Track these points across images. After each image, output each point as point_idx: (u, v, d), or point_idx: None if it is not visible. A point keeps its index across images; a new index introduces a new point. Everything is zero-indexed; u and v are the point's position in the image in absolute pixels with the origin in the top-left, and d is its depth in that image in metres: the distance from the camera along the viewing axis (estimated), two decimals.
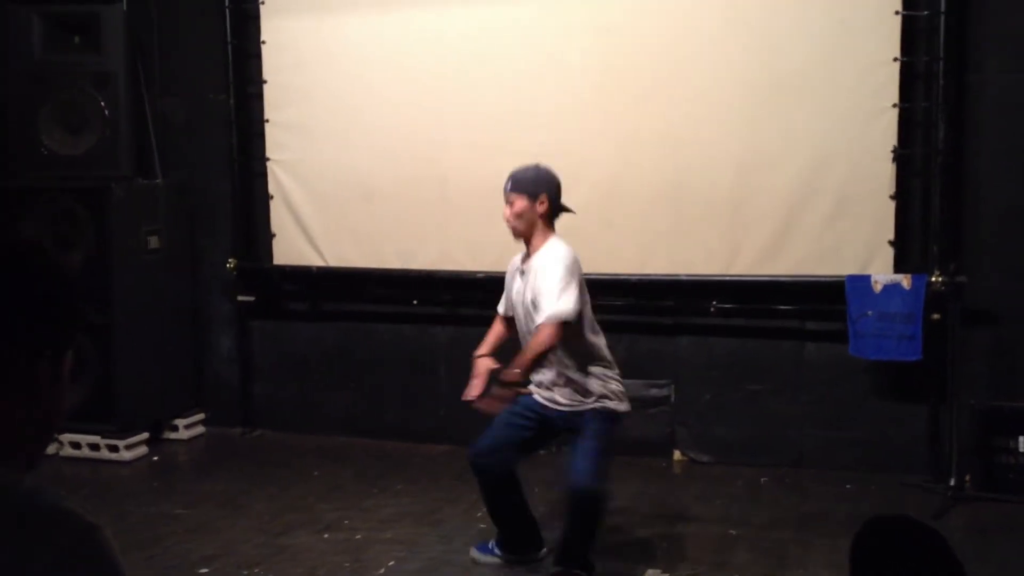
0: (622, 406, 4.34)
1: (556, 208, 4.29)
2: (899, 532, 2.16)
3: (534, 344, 4.06)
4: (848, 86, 5.46)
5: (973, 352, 5.39)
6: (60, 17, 6.23)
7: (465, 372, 6.27)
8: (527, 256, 4.31)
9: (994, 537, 4.76)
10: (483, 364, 4.42)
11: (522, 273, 4.31)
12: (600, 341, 4.35)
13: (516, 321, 4.39)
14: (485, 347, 4.51)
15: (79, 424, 6.03)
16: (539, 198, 4.21)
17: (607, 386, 4.29)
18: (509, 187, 4.27)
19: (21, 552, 1.27)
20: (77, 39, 6.23)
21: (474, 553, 4.59)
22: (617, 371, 4.39)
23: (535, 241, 4.26)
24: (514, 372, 4.02)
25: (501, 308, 4.60)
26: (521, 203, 4.22)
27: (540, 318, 4.07)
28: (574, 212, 4.38)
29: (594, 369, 4.28)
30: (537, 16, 5.95)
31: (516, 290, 4.34)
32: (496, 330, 4.59)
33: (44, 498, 1.34)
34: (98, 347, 6.02)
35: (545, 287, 4.08)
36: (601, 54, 5.83)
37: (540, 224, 4.25)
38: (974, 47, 5.36)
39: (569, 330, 4.10)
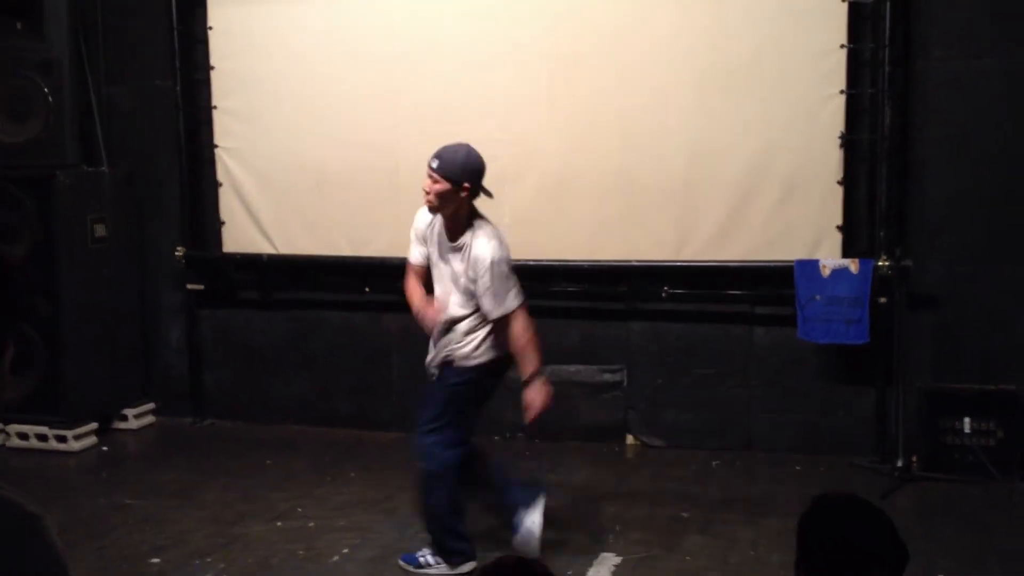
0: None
1: (477, 193, 4.33)
2: (845, 510, 2.20)
3: (522, 343, 4.21)
4: (796, 73, 5.51)
5: (919, 335, 5.47)
6: (2, 2, 6.10)
7: (418, 360, 6.27)
8: (453, 233, 4.30)
9: (940, 516, 4.84)
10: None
11: (454, 250, 4.30)
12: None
13: (435, 280, 4.41)
14: (420, 293, 4.49)
15: (27, 415, 5.97)
16: (462, 186, 4.21)
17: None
18: (435, 165, 4.24)
19: None
20: (19, 24, 6.12)
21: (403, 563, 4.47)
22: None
23: (457, 222, 4.27)
24: (539, 380, 4.24)
25: (419, 259, 4.51)
26: (444, 186, 4.22)
27: (494, 313, 4.20)
28: (492, 196, 4.36)
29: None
30: (489, 5, 5.94)
31: (451, 265, 4.32)
32: (416, 282, 4.53)
33: None
34: (45, 337, 5.95)
35: (493, 289, 4.19)
36: (553, 42, 5.83)
37: (463, 206, 4.26)
38: (919, 34, 5.43)
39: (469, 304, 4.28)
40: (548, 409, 4.31)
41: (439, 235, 4.39)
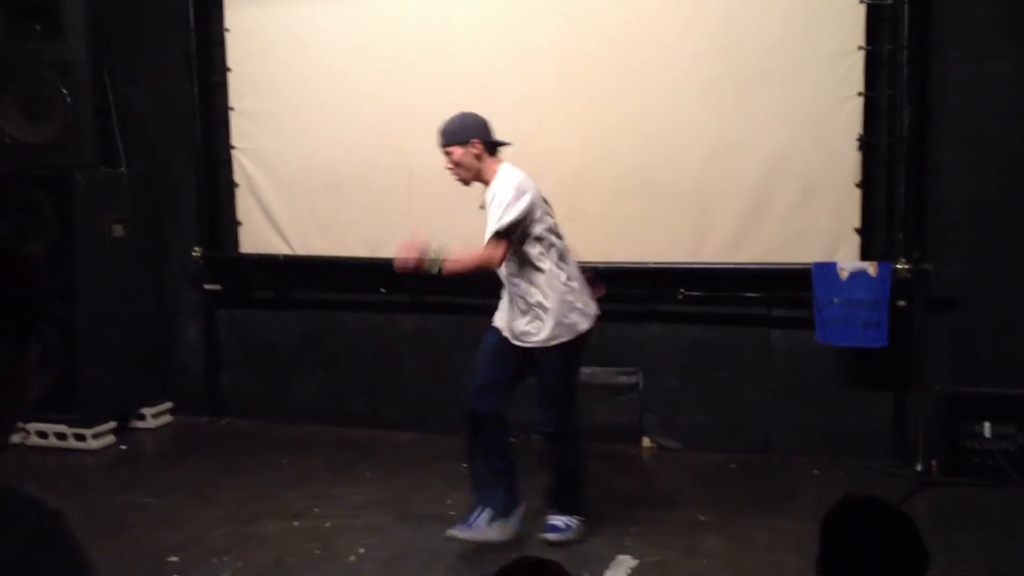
0: (580, 327, 4.47)
1: (491, 145, 4.48)
2: (869, 512, 2.19)
3: (468, 256, 4.32)
4: (813, 75, 5.49)
5: (938, 338, 5.44)
6: (21, 4, 6.14)
7: (432, 360, 6.30)
8: (486, 191, 4.48)
9: (959, 521, 4.81)
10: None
11: (482, 207, 4.47)
12: (564, 268, 4.47)
13: None
14: None
15: (46, 413, 5.99)
16: (470, 143, 4.40)
17: (564, 317, 4.41)
18: (441, 143, 4.47)
19: None
20: (39, 27, 6.15)
21: (455, 532, 4.53)
22: (584, 297, 4.53)
23: (487, 177, 4.46)
24: (436, 262, 4.31)
25: None
26: (456, 153, 4.43)
27: (486, 238, 4.32)
28: (510, 144, 4.55)
29: (550, 294, 4.40)
30: (503, 6, 5.94)
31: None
32: None
33: (5, 485, 1.33)
34: (63, 337, 5.97)
35: (491, 211, 4.32)
36: (568, 43, 5.83)
37: (483, 163, 4.45)
38: (938, 35, 5.41)
39: (518, 251, 4.35)
40: (411, 265, 4.34)
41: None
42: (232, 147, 6.48)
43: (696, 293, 5.83)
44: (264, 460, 5.89)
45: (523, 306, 4.44)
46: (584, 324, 4.49)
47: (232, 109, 6.47)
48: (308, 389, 6.59)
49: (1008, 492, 5.10)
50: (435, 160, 6.04)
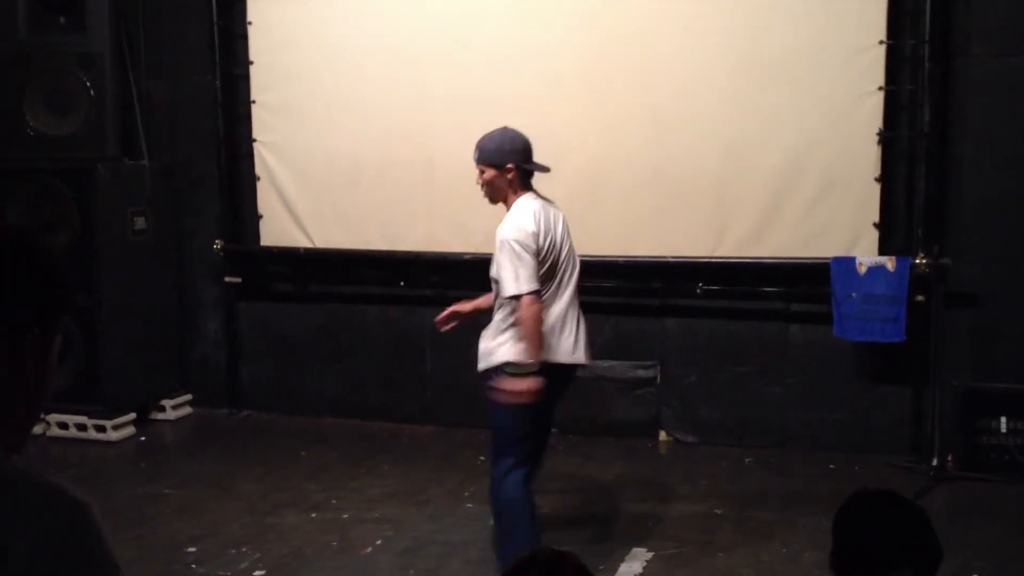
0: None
1: (526, 172, 4.21)
2: (881, 505, 2.20)
3: (522, 332, 3.92)
4: (834, 69, 5.47)
5: (956, 334, 5.43)
6: None
7: (451, 354, 6.31)
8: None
9: (975, 516, 4.81)
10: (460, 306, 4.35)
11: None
12: (554, 309, 4.13)
13: None
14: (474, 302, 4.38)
15: (66, 405, 6.04)
16: (505, 167, 4.14)
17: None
18: (476, 157, 4.21)
19: (8, 528, 1.28)
20: (62, 19, 6.20)
21: None
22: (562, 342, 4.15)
23: (509, 203, 4.19)
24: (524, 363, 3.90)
25: None
26: (489, 173, 4.17)
27: (507, 291, 3.95)
28: (548, 170, 4.26)
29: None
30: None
31: None
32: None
33: (31, 475, 1.35)
34: (84, 328, 6.02)
35: (502, 265, 3.99)
36: (587, 37, 5.83)
37: (512, 189, 4.17)
38: (960, 31, 5.38)
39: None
40: (515, 401, 3.90)
41: None
42: (254, 140, 6.51)
43: (714, 287, 5.82)
44: (283, 452, 5.93)
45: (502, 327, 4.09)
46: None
47: (254, 102, 6.50)
48: (327, 382, 6.62)
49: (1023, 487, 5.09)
50: (455, 153, 6.07)
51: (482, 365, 4.06)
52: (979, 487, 5.15)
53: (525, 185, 4.20)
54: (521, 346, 3.90)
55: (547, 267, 4.08)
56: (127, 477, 5.61)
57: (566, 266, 4.19)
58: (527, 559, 2.01)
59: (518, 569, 1.98)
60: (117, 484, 5.44)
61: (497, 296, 4.11)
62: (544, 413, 4.12)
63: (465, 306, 4.42)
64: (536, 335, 3.94)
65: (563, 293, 4.17)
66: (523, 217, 4.06)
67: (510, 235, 4.01)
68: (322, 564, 4.43)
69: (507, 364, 3.93)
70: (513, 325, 3.99)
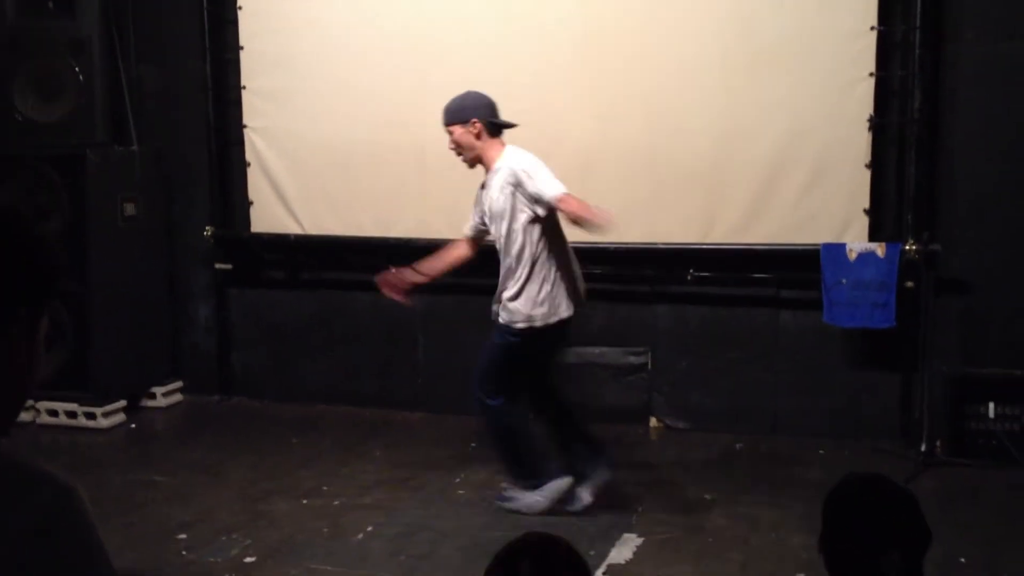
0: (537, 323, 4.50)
1: (493, 126, 4.49)
2: (870, 489, 2.21)
3: (576, 208, 4.25)
4: (825, 55, 5.47)
5: (945, 320, 5.45)
6: None
7: (443, 341, 6.31)
8: (487, 172, 4.53)
9: (963, 501, 4.83)
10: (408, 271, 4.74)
11: (483, 187, 4.54)
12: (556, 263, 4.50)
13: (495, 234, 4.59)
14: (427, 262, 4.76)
15: (56, 392, 6.02)
16: (471, 123, 4.42)
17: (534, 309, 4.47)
18: (444, 121, 4.52)
19: None
20: (51, 4, 6.16)
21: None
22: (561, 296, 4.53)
23: (488, 158, 4.49)
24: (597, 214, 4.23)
25: (467, 230, 4.78)
26: (456, 132, 4.47)
27: (548, 194, 4.29)
28: (516, 125, 4.58)
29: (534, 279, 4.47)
30: None
31: (487, 204, 4.54)
32: (450, 252, 4.82)
33: (19, 461, 1.35)
34: (74, 315, 6.01)
35: (537, 178, 4.33)
36: (580, 23, 5.82)
37: (484, 143, 4.46)
38: (951, 17, 5.38)
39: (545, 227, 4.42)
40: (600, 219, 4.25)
41: (485, 191, 4.56)
42: (244, 126, 6.49)
43: (705, 274, 5.83)
44: (274, 439, 5.93)
45: (510, 285, 4.51)
46: (544, 320, 4.50)
47: (244, 88, 6.47)
48: (318, 369, 6.62)
49: (1011, 473, 5.11)
50: (446, 139, 6.08)
51: (504, 318, 4.49)
52: (967, 473, 5.17)
53: (497, 138, 4.47)
54: (587, 218, 4.20)
55: (553, 219, 4.44)
56: (117, 464, 5.60)
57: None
58: (518, 544, 2.02)
59: (509, 554, 1.99)
60: (107, 471, 5.44)
61: (507, 255, 4.46)
62: (541, 363, 4.64)
63: (419, 277, 4.73)
64: (586, 214, 4.23)
65: (559, 245, 4.52)
66: (529, 157, 4.39)
67: (529, 160, 4.37)
68: (313, 550, 4.43)
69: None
70: (528, 283, 4.40)
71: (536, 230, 4.45)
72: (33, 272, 1.42)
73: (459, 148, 4.49)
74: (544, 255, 4.46)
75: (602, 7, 5.78)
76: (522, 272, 4.44)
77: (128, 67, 6.60)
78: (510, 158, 4.45)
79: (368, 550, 4.45)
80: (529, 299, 4.45)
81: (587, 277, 5.92)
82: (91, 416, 6.14)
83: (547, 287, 4.46)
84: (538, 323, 4.48)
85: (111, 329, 6.23)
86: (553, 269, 4.47)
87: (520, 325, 4.48)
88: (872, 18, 5.38)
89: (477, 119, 4.43)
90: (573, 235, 5.85)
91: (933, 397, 5.33)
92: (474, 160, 4.51)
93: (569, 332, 4.72)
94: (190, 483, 5.24)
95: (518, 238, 4.44)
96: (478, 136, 4.44)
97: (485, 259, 5.84)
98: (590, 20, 5.80)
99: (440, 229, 6.11)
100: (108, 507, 4.77)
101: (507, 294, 4.49)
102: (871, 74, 5.40)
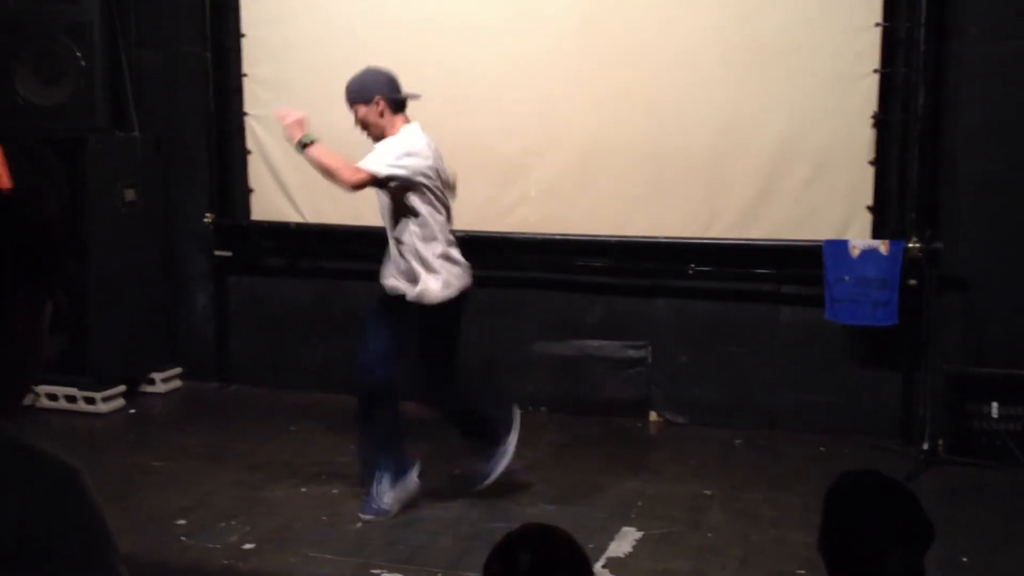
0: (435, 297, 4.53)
1: (396, 102, 4.54)
2: (870, 486, 2.20)
3: (336, 160, 4.41)
4: (829, 51, 5.45)
5: (948, 318, 5.44)
6: None
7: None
8: None
9: (965, 501, 4.82)
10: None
11: None
12: (433, 244, 4.53)
13: None
14: None
15: (56, 376, 6.01)
16: (373, 100, 4.48)
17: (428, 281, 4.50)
18: (347, 100, 4.56)
19: None
20: None
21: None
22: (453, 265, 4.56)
23: (389, 136, 4.53)
24: (309, 136, 4.45)
25: None
26: (360, 111, 4.52)
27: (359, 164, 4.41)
28: (419, 96, 4.63)
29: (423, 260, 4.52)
30: None
31: None
32: None
33: (23, 442, 1.34)
34: (73, 299, 5.98)
35: (378, 149, 4.45)
36: (581, 15, 5.79)
37: (387, 120, 4.52)
38: (956, 13, 5.36)
39: (390, 202, 4.51)
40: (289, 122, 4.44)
41: None
42: (245, 114, 6.47)
43: (706, 268, 5.82)
44: (272, 427, 5.92)
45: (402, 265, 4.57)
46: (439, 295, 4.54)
47: (245, 75, 6.45)
48: (317, 357, 6.60)
49: (1014, 472, 5.10)
50: (447, 129, 6.03)
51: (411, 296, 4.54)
52: (969, 471, 5.17)
53: (400, 115, 4.52)
54: (322, 160, 4.42)
55: (440, 195, 4.50)
56: (116, 449, 5.60)
57: (449, 196, 4.61)
58: (517, 535, 2.01)
59: (508, 545, 1.98)
60: (106, 456, 5.43)
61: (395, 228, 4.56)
62: (447, 336, 4.62)
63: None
64: (326, 171, 4.45)
65: (450, 223, 4.59)
66: (418, 140, 4.46)
67: (405, 143, 4.43)
68: (311, 538, 4.43)
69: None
70: (416, 262, 4.50)
71: (408, 201, 4.50)
72: (36, 255, 1.41)
73: (365, 126, 4.55)
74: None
75: (605, 0, 5.76)
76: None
77: (129, 52, 6.58)
78: (402, 133, 4.50)
79: (366, 538, 4.44)
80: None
81: (587, 270, 5.98)
82: (90, 401, 6.13)
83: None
84: None
85: (110, 314, 6.21)
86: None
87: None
88: (876, 14, 5.36)
89: (381, 96, 4.47)
90: (572, 226, 5.87)
91: (935, 395, 5.32)
92: (379, 137, 4.55)
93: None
94: (189, 469, 5.23)
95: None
96: (382, 114, 4.50)
97: (483, 249, 5.85)
98: (591, 13, 5.78)
99: None
100: (107, 492, 4.70)
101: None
102: (875, 70, 5.38)
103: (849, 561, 2.15)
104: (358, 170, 4.38)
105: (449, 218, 4.63)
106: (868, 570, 2.12)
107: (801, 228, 5.56)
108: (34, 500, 1.28)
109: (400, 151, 4.41)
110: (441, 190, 4.55)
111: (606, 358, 6.05)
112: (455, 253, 4.59)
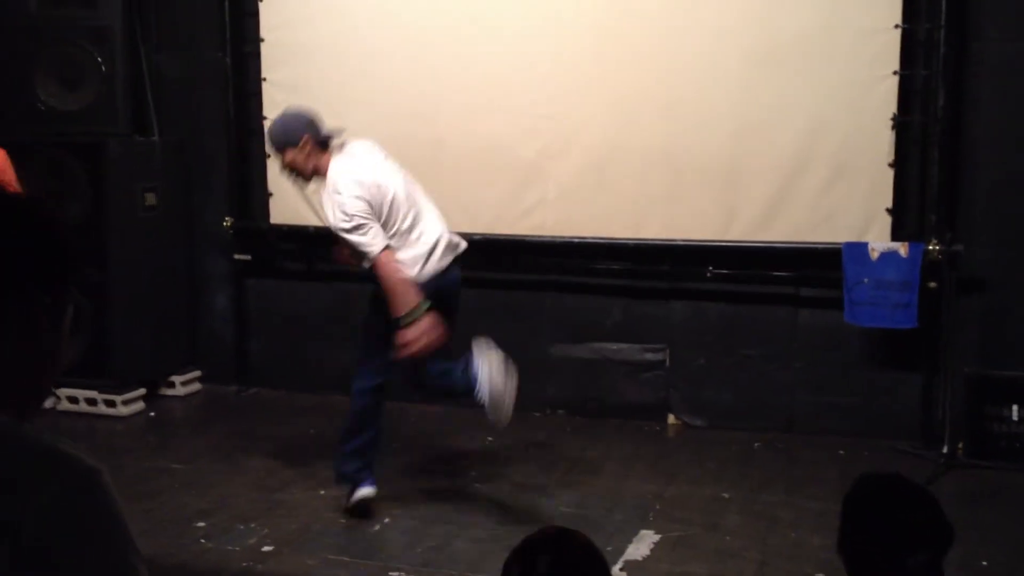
0: None
1: (322, 139, 4.50)
2: (889, 489, 2.19)
3: (388, 287, 4.33)
4: (848, 52, 5.44)
5: (967, 320, 5.41)
6: None
7: (458, 332, 6.29)
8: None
9: (985, 504, 4.80)
10: None
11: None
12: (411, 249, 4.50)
13: None
14: None
15: (77, 379, 6.04)
16: (300, 142, 4.43)
17: None
18: (273, 147, 4.54)
19: (20, 493, 1.28)
20: None
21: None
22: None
23: (322, 172, 4.49)
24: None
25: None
26: (288, 155, 4.47)
27: (366, 264, 4.38)
28: (344, 131, 4.59)
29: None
30: None
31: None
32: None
33: (44, 440, 1.35)
34: (94, 303, 6.02)
35: (345, 234, 4.34)
36: (597, 16, 5.79)
37: (315, 160, 4.47)
38: (975, 15, 5.34)
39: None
40: (428, 347, 4.34)
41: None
42: (264, 118, 6.48)
43: (724, 271, 5.81)
44: (291, 429, 5.94)
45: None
46: None
47: (265, 80, 6.48)
48: (335, 360, 6.60)
49: None
50: (464, 132, 6.07)
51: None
52: (989, 475, 5.14)
53: (326, 150, 4.48)
54: (400, 297, 4.29)
55: (389, 208, 4.42)
56: (136, 451, 5.63)
57: (411, 202, 4.55)
58: (536, 537, 2.01)
59: (527, 548, 1.98)
60: (126, 458, 5.46)
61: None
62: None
63: None
64: (400, 286, 4.31)
65: (419, 223, 4.53)
66: (345, 178, 4.34)
67: (337, 196, 4.32)
68: (330, 541, 4.44)
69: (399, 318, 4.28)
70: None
71: None
72: (56, 259, 1.42)
73: (292, 169, 4.51)
74: None
75: (620, 2, 5.75)
76: None
77: (149, 57, 6.62)
78: (333, 168, 4.44)
79: (384, 541, 4.45)
80: None
81: (604, 272, 5.97)
82: (111, 403, 6.17)
83: None
84: None
85: (131, 317, 6.25)
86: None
87: None
88: (896, 16, 5.34)
89: (308, 136, 4.45)
90: (589, 228, 5.87)
91: (954, 398, 5.29)
92: (308, 178, 4.53)
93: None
94: (208, 471, 5.25)
95: None
96: (309, 155, 4.46)
97: (500, 252, 5.86)
98: (608, 15, 5.78)
99: (457, 221, 6.06)
100: (126, 494, 4.72)
101: None
102: (895, 72, 5.36)
103: (869, 564, 2.14)
104: (381, 264, 4.36)
105: (415, 216, 4.58)
106: (888, 573, 2.12)
107: (820, 230, 5.54)
108: (55, 499, 1.28)
109: (350, 209, 4.32)
110: (390, 204, 4.46)
111: (624, 361, 6.05)
112: (420, 249, 4.53)
